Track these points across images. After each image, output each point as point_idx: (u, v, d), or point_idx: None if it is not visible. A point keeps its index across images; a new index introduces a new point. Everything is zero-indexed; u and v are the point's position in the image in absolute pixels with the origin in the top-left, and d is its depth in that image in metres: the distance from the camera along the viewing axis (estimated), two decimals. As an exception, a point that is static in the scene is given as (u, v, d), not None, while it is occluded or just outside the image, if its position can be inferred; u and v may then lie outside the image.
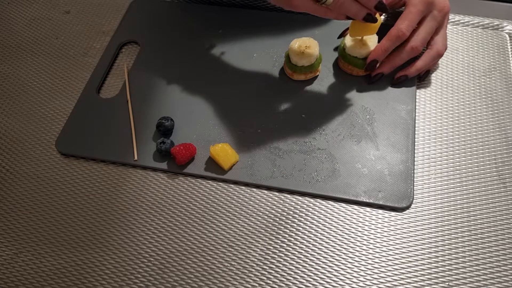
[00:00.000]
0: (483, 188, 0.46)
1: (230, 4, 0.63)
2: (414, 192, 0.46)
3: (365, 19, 0.45)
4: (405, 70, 0.52)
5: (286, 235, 0.45)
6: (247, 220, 0.46)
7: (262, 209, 0.46)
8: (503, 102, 0.52)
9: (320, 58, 0.53)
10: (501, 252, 0.43)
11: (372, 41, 0.51)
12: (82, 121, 0.53)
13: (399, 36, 0.49)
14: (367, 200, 0.46)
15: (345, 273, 0.43)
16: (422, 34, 0.50)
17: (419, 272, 0.42)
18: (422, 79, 0.54)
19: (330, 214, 0.46)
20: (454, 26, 0.59)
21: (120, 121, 0.52)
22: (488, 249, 0.43)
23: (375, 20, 0.45)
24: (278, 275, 0.43)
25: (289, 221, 0.46)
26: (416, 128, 0.51)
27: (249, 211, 0.46)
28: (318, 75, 0.55)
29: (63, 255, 0.45)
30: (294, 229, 0.45)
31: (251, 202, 0.47)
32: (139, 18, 0.62)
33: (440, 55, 0.51)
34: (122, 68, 0.58)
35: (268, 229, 0.45)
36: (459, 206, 0.46)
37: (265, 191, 0.47)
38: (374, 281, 0.42)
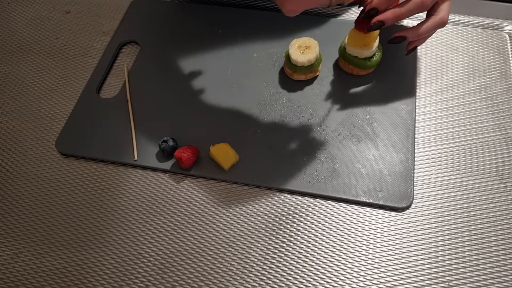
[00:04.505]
0: (483, 188, 0.46)
1: (230, 4, 0.63)
2: (414, 192, 0.46)
3: None
4: (405, 31, 0.47)
5: (286, 235, 0.45)
6: (247, 220, 0.46)
7: (262, 209, 0.46)
8: (503, 102, 0.52)
9: (320, 58, 0.53)
10: (501, 252, 0.43)
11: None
12: (82, 121, 0.53)
13: None
14: (367, 200, 0.46)
15: (345, 273, 0.43)
16: None
17: (419, 272, 0.42)
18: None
19: (330, 214, 0.46)
20: (454, 26, 0.59)
21: (120, 121, 0.52)
22: (488, 249, 0.43)
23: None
24: (278, 275, 0.43)
25: (289, 221, 0.46)
26: (416, 128, 0.51)
27: (249, 211, 0.46)
28: (318, 75, 0.55)
29: (63, 255, 0.45)
30: (294, 229, 0.45)
31: (251, 202, 0.47)
32: (139, 18, 0.62)
33: (443, 23, 0.47)
34: (122, 68, 0.58)
35: (268, 229, 0.45)
36: (459, 206, 0.46)
37: (265, 191, 0.47)
38: (374, 281, 0.42)
